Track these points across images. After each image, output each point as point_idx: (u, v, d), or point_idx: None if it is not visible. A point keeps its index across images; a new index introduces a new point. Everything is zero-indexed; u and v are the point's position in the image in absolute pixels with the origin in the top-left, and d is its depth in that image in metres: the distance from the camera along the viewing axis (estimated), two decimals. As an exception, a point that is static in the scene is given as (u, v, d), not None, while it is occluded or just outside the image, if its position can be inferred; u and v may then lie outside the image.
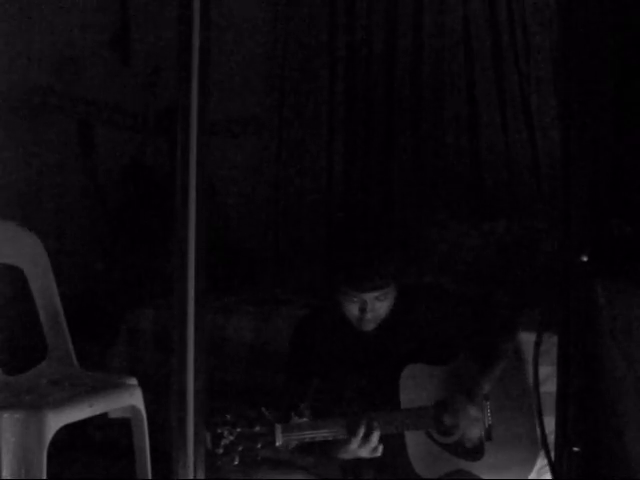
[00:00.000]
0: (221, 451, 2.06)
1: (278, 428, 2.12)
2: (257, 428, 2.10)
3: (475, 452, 2.30)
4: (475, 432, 2.28)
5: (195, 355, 1.37)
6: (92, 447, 3.28)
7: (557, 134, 3.97)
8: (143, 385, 2.57)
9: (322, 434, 2.17)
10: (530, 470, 2.33)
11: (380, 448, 2.19)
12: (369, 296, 2.24)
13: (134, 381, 2.57)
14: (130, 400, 2.51)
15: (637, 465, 1.49)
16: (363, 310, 2.25)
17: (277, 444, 2.11)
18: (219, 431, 2.07)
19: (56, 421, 2.25)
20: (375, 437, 2.17)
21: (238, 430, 2.09)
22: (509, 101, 4.25)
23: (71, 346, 2.69)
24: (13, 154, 3.90)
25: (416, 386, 2.28)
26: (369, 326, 2.30)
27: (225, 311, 3.39)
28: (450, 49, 4.39)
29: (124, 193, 4.55)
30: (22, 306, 2.99)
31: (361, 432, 2.15)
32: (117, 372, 3.26)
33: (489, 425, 2.32)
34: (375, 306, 2.26)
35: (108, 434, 3.15)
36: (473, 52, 4.33)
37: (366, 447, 2.17)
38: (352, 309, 2.27)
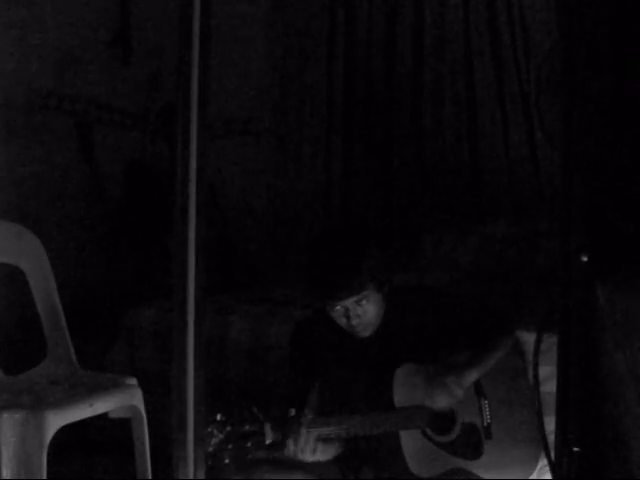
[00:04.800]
0: (211, 450, 2.04)
1: (268, 426, 2.11)
2: (247, 427, 2.09)
3: (474, 451, 2.29)
4: (442, 401, 2.27)
5: (195, 355, 1.37)
6: (92, 447, 3.28)
7: (557, 134, 3.97)
8: (143, 385, 2.56)
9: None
10: (532, 470, 2.32)
11: (319, 450, 2.15)
12: (348, 302, 2.23)
13: (134, 381, 2.57)
14: (130, 400, 2.51)
15: (637, 465, 1.49)
16: (348, 317, 2.25)
17: (267, 442, 2.11)
18: (209, 430, 2.05)
19: (56, 421, 2.25)
20: (305, 441, 2.13)
21: (228, 429, 2.07)
22: (509, 101, 4.25)
23: (71, 346, 2.69)
24: (13, 154, 3.90)
25: (409, 386, 2.28)
26: (363, 332, 2.29)
27: (225, 311, 3.39)
28: (450, 49, 4.40)
29: (124, 193, 4.55)
30: (22, 306, 2.99)
31: (291, 436, 2.12)
32: (117, 372, 3.25)
33: (488, 423, 2.31)
34: (358, 311, 2.24)
35: (108, 434, 3.14)
36: (473, 52, 4.33)
37: (300, 451, 2.14)
38: (338, 317, 2.27)
